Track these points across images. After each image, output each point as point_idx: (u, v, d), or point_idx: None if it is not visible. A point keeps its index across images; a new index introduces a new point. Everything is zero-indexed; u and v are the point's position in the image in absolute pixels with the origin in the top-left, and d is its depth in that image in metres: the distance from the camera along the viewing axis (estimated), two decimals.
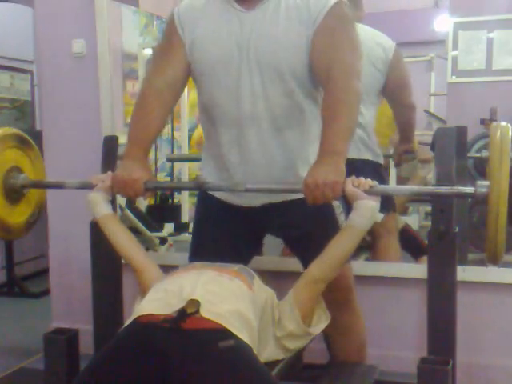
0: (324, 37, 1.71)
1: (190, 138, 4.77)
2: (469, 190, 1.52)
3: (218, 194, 1.92)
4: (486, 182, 1.46)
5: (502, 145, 1.39)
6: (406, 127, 2.77)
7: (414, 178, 3.53)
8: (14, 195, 1.88)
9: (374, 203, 1.60)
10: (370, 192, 1.60)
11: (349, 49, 1.72)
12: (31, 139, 2.11)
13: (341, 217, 1.92)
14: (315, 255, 1.63)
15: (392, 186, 1.77)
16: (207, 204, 1.97)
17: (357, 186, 1.60)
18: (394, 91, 2.61)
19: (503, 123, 1.47)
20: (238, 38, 1.75)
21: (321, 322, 1.63)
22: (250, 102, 1.76)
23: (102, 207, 1.76)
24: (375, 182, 1.62)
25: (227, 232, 1.87)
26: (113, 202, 1.89)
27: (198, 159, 2.40)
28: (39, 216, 2.08)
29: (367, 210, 1.58)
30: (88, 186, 1.80)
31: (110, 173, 1.82)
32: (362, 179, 1.61)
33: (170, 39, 1.85)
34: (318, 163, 1.63)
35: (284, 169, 1.82)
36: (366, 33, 2.42)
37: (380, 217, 1.61)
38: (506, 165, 1.38)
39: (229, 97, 1.78)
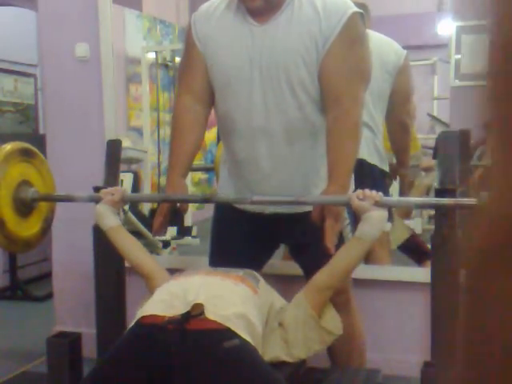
0: (335, 61, 1.72)
1: None
2: (471, 201, 1.52)
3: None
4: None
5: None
6: (398, 149, 2.71)
7: (418, 186, 3.46)
8: (25, 209, 1.92)
9: (382, 213, 1.62)
10: (375, 205, 1.61)
11: (358, 78, 1.74)
12: (36, 146, 2.13)
13: (347, 228, 1.92)
14: (318, 266, 1.63)
15: (396, 198, 1.77)
16: (222, 211, 2.01)
17: (362, 198, 1.60)
18: (393, 105, 2.55)
19: None
20: (250, 52, 1.75)
21: (337, 321, 1.60)
22: (263, 115, 1.77)
23: (109, 219, 1.79)
24: (380, 195, 1.63)
25: (242, 238, 1.89)
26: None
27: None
28: (51, 223, 2.10)
29: (376, 221, 1.60)
30: (97, 200, 1.83)
31: (119, 188, 1.84)
32: (367, 191, 1.62)
33: (190, 52, 1.86)
34: (331, 193, 1.68)
35: (294, 180, 1.84)
36: (378, 39, 2.39)
37: (388, 226, 1.62)
38: None
39: (242, 109, 1.79)
